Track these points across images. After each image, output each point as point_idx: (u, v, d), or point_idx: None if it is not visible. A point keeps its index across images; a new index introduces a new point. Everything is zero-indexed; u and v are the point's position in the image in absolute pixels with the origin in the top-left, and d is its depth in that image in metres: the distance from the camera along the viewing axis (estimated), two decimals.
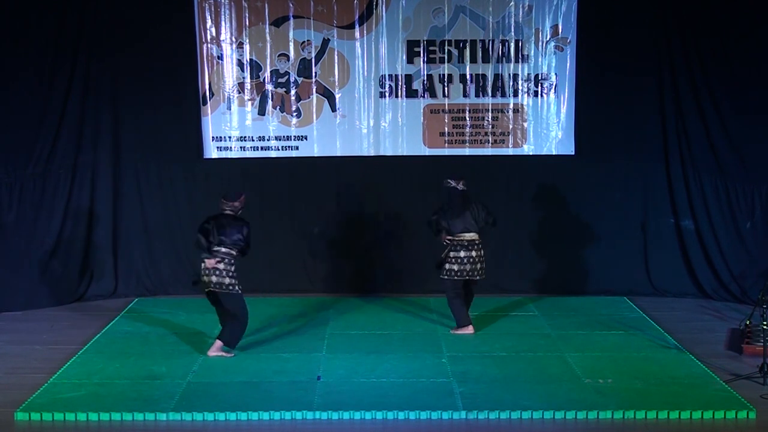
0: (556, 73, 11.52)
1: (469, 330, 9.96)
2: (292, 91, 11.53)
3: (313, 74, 11.49)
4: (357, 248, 11.85)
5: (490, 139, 11.64)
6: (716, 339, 9.82)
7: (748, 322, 9.38)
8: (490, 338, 9.81)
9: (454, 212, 9.95)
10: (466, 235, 9.95)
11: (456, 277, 9.92)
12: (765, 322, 8.54)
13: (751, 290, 10.92)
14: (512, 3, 11.39)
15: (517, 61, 11.48)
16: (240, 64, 11.46)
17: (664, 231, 11.66)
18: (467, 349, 9.45)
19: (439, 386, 8.32)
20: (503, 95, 11.55)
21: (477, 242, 9.95)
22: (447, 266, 9.95)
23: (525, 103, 11.57)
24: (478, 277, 9.99)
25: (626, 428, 7.56)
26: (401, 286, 11.73)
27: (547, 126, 11.63)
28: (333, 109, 11.57)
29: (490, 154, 11.68)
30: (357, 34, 11.43)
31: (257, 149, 11.60)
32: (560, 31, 11.44)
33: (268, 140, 11.60)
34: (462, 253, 9.91)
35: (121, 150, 11.53)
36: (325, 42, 11.42)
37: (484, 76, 11.52)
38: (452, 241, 9.91)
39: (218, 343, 9.14)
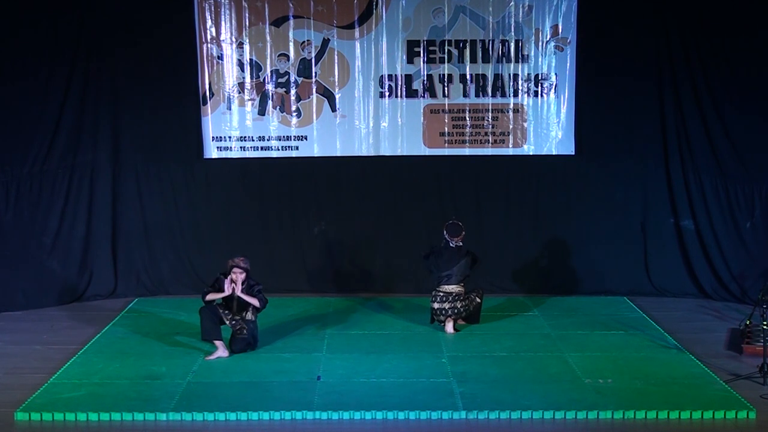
0: (556, 73, 11.52)
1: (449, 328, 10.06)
2: (292, 91, 11.53)
3: (313, 74, 11.48)
4: (357, 248, 11.85)
5: (490, 139, 11.64)
6: (716, 339, 9.82)
7: (748, 322, 9.38)
8: (490, 338, 9.81)
9: (442, 261, 10.09)
10: (449, 287, 10.03)
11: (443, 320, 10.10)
12: (765, 322, 8.55)
13: (751, 290, 10.92)
14: (512, 3, 11.39)
15: (517, 61, 11.47)
16: (240, 64, 11.45)
17: (664, 231, 11.66)
18: (467, 349, 9.45)
19: (439, 386, 8.32)
20: (503, 95, 11.55)
21: (461, 295, 10.03)
22: (433, 317, 10.14)
23: (525, 103, 11.57)
24: (464, 312, 10.07)
25: (626, 428, 7.56)
26: (401, 286, 11.73)
27: (547, 126, 11.63)
28: (333, 109, 11.56)
29: (490, 154, 11.68)
30: (357, 34, 11.42)
31: (257, 149, 11.60)
32: (560, 31, 11.44)
33: (268, 140, 11.60)
34: (446, 305, 10.00)
35: (120, 150, 11.52)
36: (325, 42, 11.42)
37: (484, 76, 11.52)
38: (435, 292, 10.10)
39: (224, 351, 9.17)
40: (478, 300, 10.21)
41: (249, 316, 9.25)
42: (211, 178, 11.66)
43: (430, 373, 8.70)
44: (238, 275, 9.13)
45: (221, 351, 9.10)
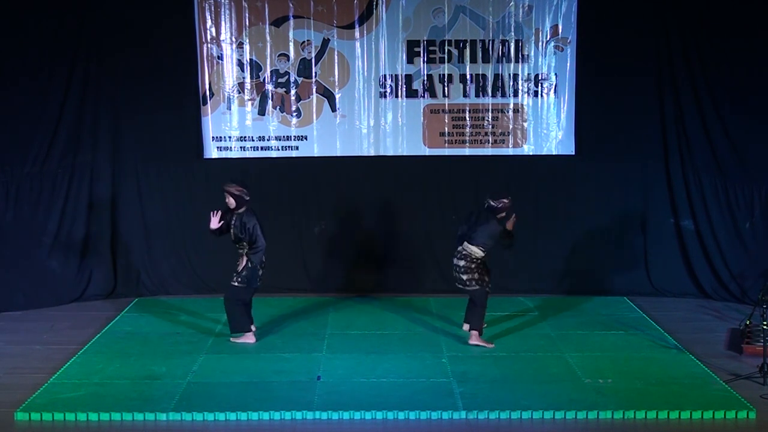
0: (556, 74, 11.52)
1: (465, 327, 9.91)
2: (292, 91, 11.53)
3: (313, 74, 11.49)
4: (357, 248, 11.85)
5: (490, 139, 11.64)
6: (716, 339, 9.82)
7: (748, 322, 9.39)
8: (490, 338, 9.81)
9: (472, 218, 9.75)
10: (469, 246, 9.73)
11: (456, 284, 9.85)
12: (765, 322, 8.55)
13: (751, 290, 10.93)
14: (512, 3, 11.39)
15: (517, 61, 11.48)
16: (240, 64, 11.46)
17: (664, 231, 11.66)
18: (467, 349, 9.45)
19: (439, 386, 8.32)
20: (503, 95, 11.55)
21: (463, 254, 9.61)
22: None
23: (525, 103, 11.57)
24: (460, 286, 9.59)
25: (626, 428, 7.57)
26: (401, 286, 11.73)
27: (547, 126, 11.63)
28: (333, 109, 11.57)
29: (490, 154, 11.68)
30: (357, 34, 11.42)
31: (257, 149, 11.61)
32: (560, 31, 11.44)
33: (268, 140, 11.60)
34: (453, 260, 9.73)
35: (120, 150, 11.52)
36: (325, 42, 11.42)
37: (484, 76, 11.52)
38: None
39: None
40: (477, 287, 9.57)
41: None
42: (211, 178, 11.64)
43: (430, 373, 8.70)
44: (228, 199, 9.44)
45: (249, 337, 9.44)
